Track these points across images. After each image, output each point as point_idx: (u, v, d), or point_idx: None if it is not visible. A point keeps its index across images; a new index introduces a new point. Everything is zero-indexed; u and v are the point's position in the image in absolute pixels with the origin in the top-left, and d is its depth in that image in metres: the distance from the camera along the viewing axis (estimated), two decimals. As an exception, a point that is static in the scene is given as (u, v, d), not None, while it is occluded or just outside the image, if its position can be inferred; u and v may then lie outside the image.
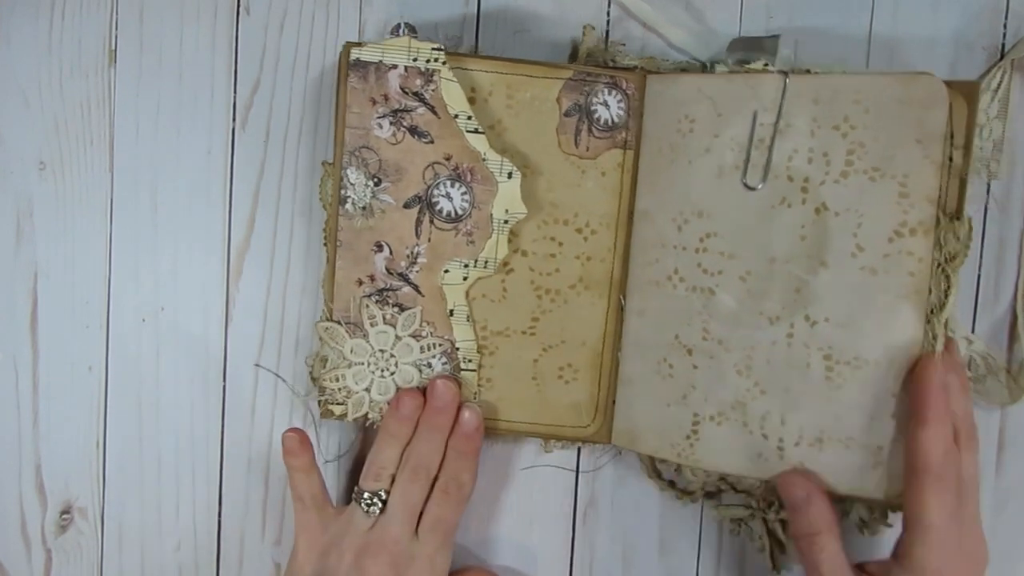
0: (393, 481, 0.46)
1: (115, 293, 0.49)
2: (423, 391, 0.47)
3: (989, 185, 0.49)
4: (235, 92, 0.49)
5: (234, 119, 0.49)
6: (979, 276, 0.49)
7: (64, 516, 0.50)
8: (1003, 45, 0.49)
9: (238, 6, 0.49)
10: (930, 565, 0.40)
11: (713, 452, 0.46)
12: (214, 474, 0.51)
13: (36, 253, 0.49)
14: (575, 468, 0.52)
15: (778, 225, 0.44)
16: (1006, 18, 0.49)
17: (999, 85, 0.48)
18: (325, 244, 0.47)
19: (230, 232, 0.50)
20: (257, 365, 0.50)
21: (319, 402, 0.47)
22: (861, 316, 0.42)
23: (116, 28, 0.48)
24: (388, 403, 0.47)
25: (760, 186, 0.44)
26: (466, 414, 0.47)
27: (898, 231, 0.41)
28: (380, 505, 0.46)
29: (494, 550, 0.52)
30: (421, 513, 0.46)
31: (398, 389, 0.47)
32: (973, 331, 0.49)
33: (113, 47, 0.48)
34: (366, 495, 0.46)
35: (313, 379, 0.48)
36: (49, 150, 0.48)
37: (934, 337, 0.42)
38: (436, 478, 0.46)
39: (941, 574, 0.40)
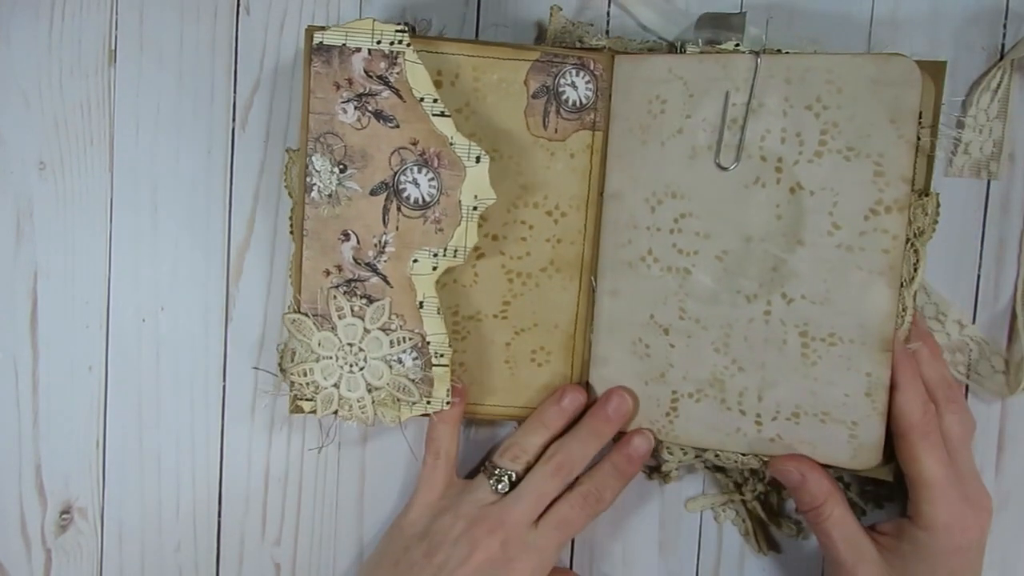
0: (528, 468, 0.46)
1: (115, 293, 0.49)
2: (586, 389, 0.48)
3: (989, 185, 0.49)
4: (235, 92, 0.49)
5: (234, 119, 0.49)
6: (979, 276, 0.49)
7: (64, 516, 0.50)
8: (1003, 45, 0.49)
9: (238, 6, 0.49)
10: (939, 519, 0.42)
11: (691, 428, 0.47)
12: (214, 474, 0.51)
13: (36, 253, 0.49)
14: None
15: (753, 204, 0.44)
16: (1006, 18, 0.49)
17: (999, 85, 0.48)
18: (291, 233, 0.47)
19: (230, 232, 0.50)
20: (255, 368, 0.50)
21: (289, 397, 0.46)
22: (837, 293, 0.43)
23: (116, 28, 0.48)
24: (358, 400, 0.46)
25: (733, 166, 0.45)
26: (639, 439, 0.47)
27: (874, 209, 0.42)
28: (508, 485, 0.46)
29: (494, 550, 0.52)
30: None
31: (367, 385, 0.46)
32: (973, 331, 0.49)
33: (113, 47, 0.48)
34: (498, 471, 0.46)
35: (282, 370, 0.47)
36: (49, 150, 0.48)
37: (904, 309, 0.43)
38: (575, 481, 0.46)
39: (951, 526, 0.42)
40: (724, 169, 0.45)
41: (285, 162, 0.48)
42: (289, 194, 0.47)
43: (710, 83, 0.45)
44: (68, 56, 0.48)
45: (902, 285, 0.43)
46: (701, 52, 0.45)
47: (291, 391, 0.46)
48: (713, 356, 0.46)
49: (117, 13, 0.48)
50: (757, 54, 0.44)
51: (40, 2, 0.48)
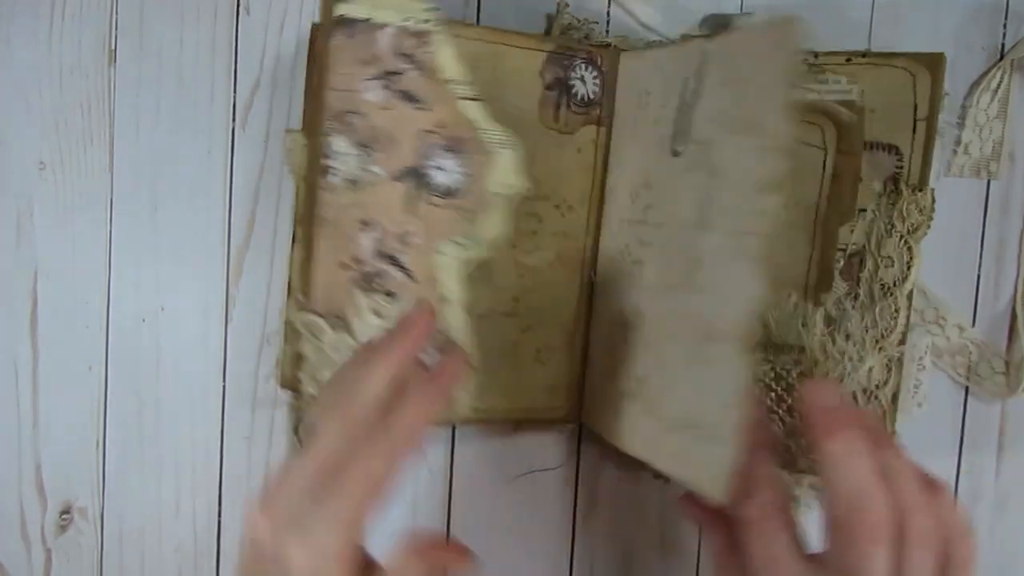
0: None
1: (115, 293, 0.49)
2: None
3: (989, 185, 0.49)
4: (235, 92, 0.49)
5: (234, 119, 0.49)
6: (979, 276, 0.49)
7: (64, 516, 0.50)
8: (1003, 45, 0.49)
9: (238, 6, 0.49)
10: None
11: (625, 432, 0.44)
12: (214, 474, 0.51)
13: (36, 253, 0.49)
14: (575, 469, 0.52)
15: (687, 190, 0.42)
16: (1006, 18, 0.49)
17: (999, 85, 0.48)
18: (297, 224, 0.44)
19: (230, 232, 0.50)
20: (267, 344, 0.50)
21: (292, 408, 0.42)
22: (721, 282, 0.39)
23: (116, 28, 0.48)
24: None
25: (682, 151, 0.42)
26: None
27: (758, 188, 0.37)
28: None
29: (494, 551, 0.52)
30: None
31: None
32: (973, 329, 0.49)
33: (113, 47, 0.48)
34: None
35: (282, 385, 0.44)
36: (49, 150, 0.48)
37: (896, 310, 0.42)
38: None
39: None
40: (678, 155, 0.43)
41: (287, 144, 0.46)
42: (296, 179, 0.45)
43: (680, 72, 0.43)
44: (68, 56, 0.48)
45: (895, 283, 0.42)
46: (676, 43, 0.45)
47: (296, 403, 0.42)
48: (643, 353, 0.43)
49: (117, 13, 0.48)
50: (707, 37, 0.42)
51: (40, 2, 0.48)
